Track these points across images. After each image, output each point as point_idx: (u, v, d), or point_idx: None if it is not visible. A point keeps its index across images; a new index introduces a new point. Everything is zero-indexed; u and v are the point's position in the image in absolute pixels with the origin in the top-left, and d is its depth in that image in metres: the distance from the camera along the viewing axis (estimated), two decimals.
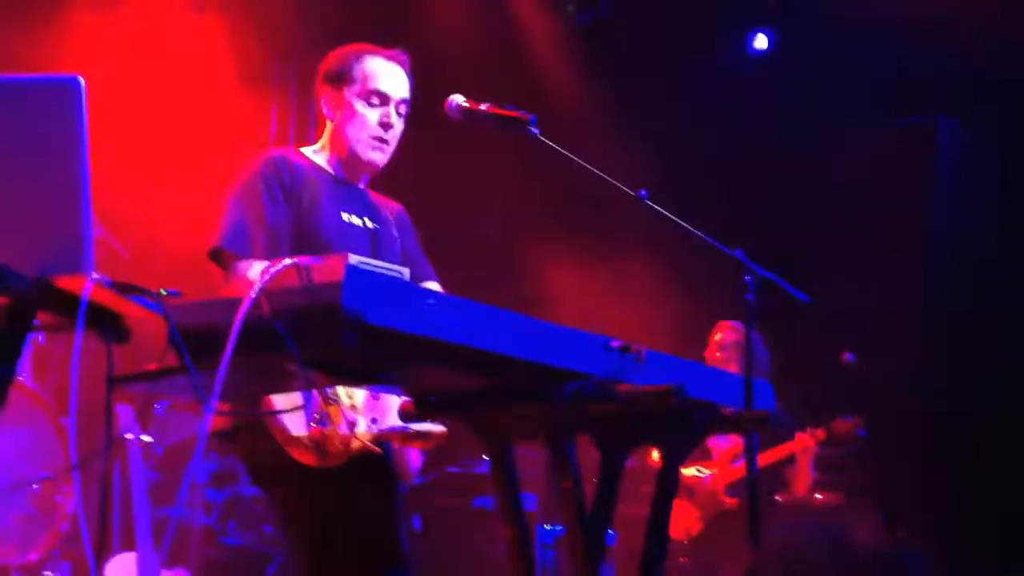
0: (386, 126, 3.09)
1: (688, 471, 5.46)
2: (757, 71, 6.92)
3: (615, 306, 6.28)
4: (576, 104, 6.60)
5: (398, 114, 3.13)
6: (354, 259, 1.98)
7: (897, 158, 6.63)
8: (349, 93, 3.10)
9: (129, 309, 1.85)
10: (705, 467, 5.53)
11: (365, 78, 3.09)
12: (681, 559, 5.58)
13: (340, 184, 3.13)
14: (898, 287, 6.39)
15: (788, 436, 5.29)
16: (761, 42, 6.94)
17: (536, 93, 6.44)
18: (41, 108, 1.72)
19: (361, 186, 3.21)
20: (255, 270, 2.81)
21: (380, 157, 3.13)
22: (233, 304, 1.92)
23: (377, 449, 2.85)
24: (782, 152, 6.65)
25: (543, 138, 2.91)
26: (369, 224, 3.13)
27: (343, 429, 2.79)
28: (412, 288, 2.05)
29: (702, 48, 6.80)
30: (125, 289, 1.81)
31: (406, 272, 2.16)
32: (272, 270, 1.94)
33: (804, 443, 5.27)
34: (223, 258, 2.90)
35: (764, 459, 5.18)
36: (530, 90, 6.43)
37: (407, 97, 3.15)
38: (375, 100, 3.09)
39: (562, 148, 2.93)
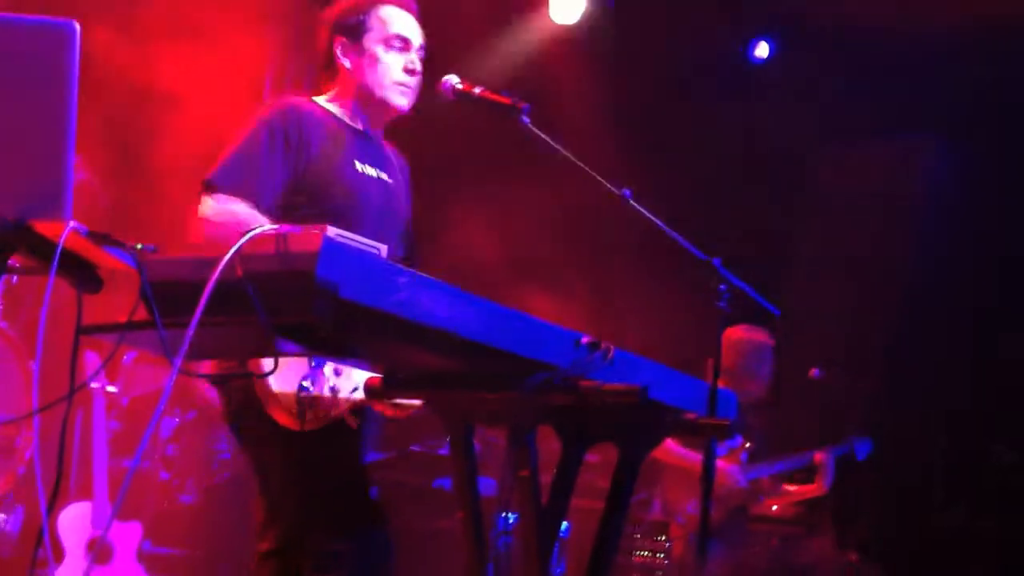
0: (411, 72, 3.10)
1: None
2: (756, 78, 6.93)
3: (594, 309, 6.27)
4: (568, 101, 6.57)
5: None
6: (332, 231, 1.99)
7: (886, 174, 6.67)
8: (369, 41, 3.08)
9: (104, 259, 1.85)
10: None
11: (383, 24, 3.09)
12: None
13: (356, 134, 3.12)
14: (876, 304, 6.45)
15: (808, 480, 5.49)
16: (762, 50, 6.95)
17: (529, 83, 6.42)
18: (33, 50, 1.72)
19: (377, 137, 3.20)
20: (226, 205, 2.80)
21: (405, 102, 3.11)
22: (207, 263, 1.92)
23: (353, 422, 2.87)
24: (772, 161, 6.68)
25: (533, 128, 2.92)
26: (384, 176, 3.13)
27: (326, 394, 2.81)
28: (387, 265, 2.06)
29: (701, 53, 6.79)
30: (101, 239, 1.82)
31: (383, 248, 2.17)
32: (249, 234, 1.94)
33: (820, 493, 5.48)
34: (209, 191, 2.87)
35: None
36: (521, 78, 6.42)
37: (424, 43, 3.14)
38: (397, 44, 3.09)
39: (552, 141, 2.95)
